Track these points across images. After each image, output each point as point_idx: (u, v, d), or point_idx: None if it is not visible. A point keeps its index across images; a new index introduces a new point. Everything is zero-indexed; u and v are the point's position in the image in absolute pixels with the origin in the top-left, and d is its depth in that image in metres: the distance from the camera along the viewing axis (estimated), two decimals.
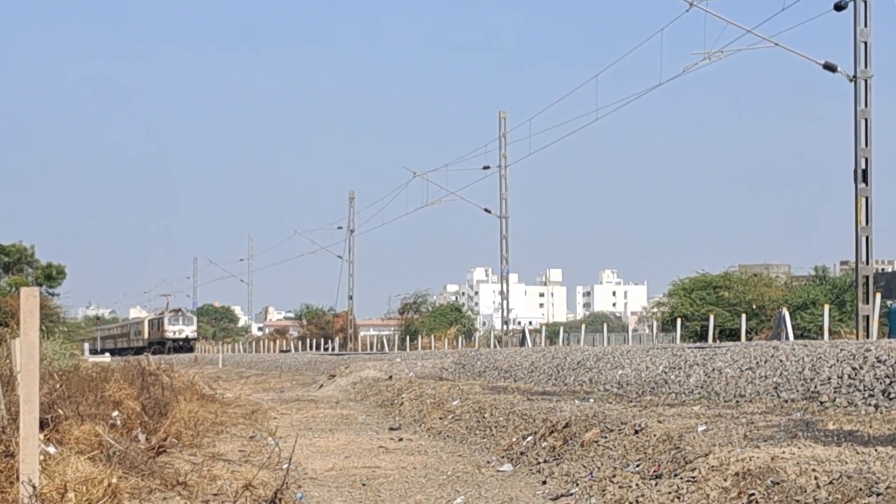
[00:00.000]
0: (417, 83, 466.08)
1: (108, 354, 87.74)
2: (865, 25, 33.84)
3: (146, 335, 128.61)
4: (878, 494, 10.92)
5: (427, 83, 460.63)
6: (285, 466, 16.51)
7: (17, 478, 11.38)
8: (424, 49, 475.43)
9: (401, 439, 26.00)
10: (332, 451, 23.09)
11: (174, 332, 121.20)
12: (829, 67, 34.93)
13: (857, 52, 34.00)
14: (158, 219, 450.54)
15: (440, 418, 28.97)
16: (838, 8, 34.20)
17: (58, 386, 19.23)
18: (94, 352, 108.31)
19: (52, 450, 14.16)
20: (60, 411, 17.43)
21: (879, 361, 20.15)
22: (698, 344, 39.24)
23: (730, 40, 41.89)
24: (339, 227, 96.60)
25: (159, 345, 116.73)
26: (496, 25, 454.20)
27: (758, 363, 24.25)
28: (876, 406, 18.15)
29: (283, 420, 30.52)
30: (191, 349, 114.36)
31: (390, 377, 43.01)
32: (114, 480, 13.40)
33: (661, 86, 49.62)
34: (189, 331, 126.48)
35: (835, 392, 19.99)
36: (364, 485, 18.44)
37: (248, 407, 33.78)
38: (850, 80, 34.41)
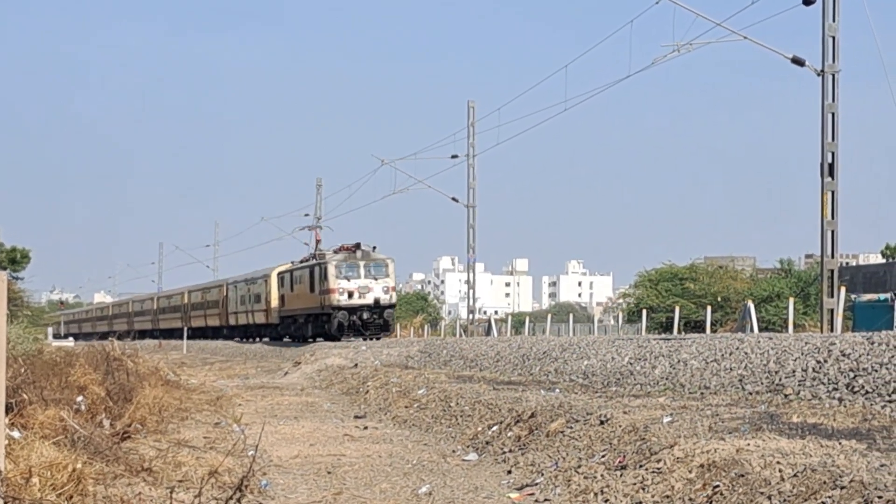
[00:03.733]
0: (388, 71, 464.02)
1: (71, 339, 69.42)
2: (834, 20, 34.05)
3: (274, 301, 69.59)
4: (843, 488, 10.91)
5: (397, 71, 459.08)
6: (250, 453, 16.45)
7: None
8: (396, 36, 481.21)
9: (366, 427, 26.14)
10: (297, 438, 23.16)
11: (352, 293, 58.84)
12: (798, 62, 35.15)
13: (826, 46, 34.26)
14: (123, 203, 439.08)
15: (406, 407, 29.07)
16: (807, 2, 34.47)
17: (22, 370, 18.99)
18: (57, 336, 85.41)
19: (16, 434, 14.28)
20: (25, 396, 17.24)
21: (844, 355, 20.31)
22: (664, 335, 39.71)
23: (699, 33, 42.26)
24: (306, 215, 79.83)
25: (315, 319, 62.13)
26: (468, 13, 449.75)
27: (723, 355, 24.35)
28: (840, 399, 18.23)
29: (248, 407, 30.48)
30: (386, 326, 60.48)
31: (356, 365, 43.14)
32: (78, 466, 13.24)
33: (630, 77, 49.65)
34: (381, 288, 61.09)
35: (799, 385, 20.08)
36: (329, 472, 18.45)
37: (212, 393, 33.59)
38: (818, 75, 34.52)
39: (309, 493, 16.47)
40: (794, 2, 35.85)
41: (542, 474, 17.00)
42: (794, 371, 20.97)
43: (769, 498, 11.92)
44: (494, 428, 21.82)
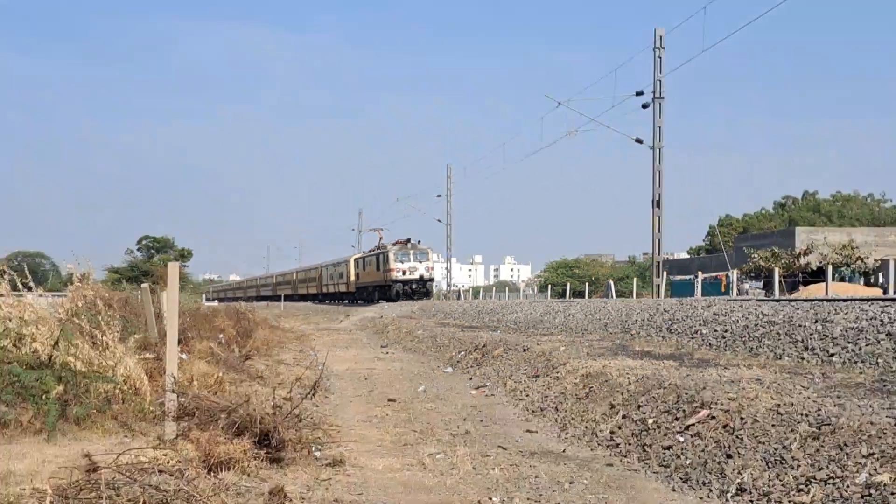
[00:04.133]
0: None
1: (216, 301, 68.68)
2: (660, 116, 40.60)
3: (352, 277, 77.90)
4: (664, 388, 12.87)
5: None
6: (319, 367, 18.48)
7: (164, 372, 11.47)
8: None
9: (387, 353, 28.18)
10: (346, 359, 25.08)
11: (404, 272, 70.58)
12: (639, 141, 42.03)
13: (655, 132, 40.82)
14: (263, 200, 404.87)
15: (410, 341, 31.46)
16: (644, 106, 40.78)
17: (187, 319, 19.44)
18: (210, 299, 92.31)
19: (184, 356, 14.99)
20: (189, 334, 18.30)
21: (665, 311, 22.28)
22: (560, 299, 46.62)
23: (582, 123, 51.52)
24: (439, 196, 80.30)
25: (381, 289, 70.53)
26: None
27: (595, 311, 26.37)
28: (663, 337, 19.87)
29: (318, 341, 32.44)
30: (427, 293, 68.64)
31: (381, 317, 47.51)
32: (220, 374, 14.73)
33: (546, 147, 55.35)
34: (423, 268, 72.01)
35: (639, 328, 21.64)
36: (366, 378, 20.49)
37: (297, 333, 35.86)
38: (651, 149, 41.35)
39: (354, 390, 18.41)
40: (637, 105, 41.27)
41: (490, 380, 19.28)
42: (636, 320, 22.54)
43: (621, 394, 13.68)
44: (462, 353, 24.12)
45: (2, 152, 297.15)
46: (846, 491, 8.02)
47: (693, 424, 11.05)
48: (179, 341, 12.84)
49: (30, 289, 14.65)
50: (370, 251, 78.54)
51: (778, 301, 20.81)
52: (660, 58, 39.70)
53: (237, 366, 17.88)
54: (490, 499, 9.17)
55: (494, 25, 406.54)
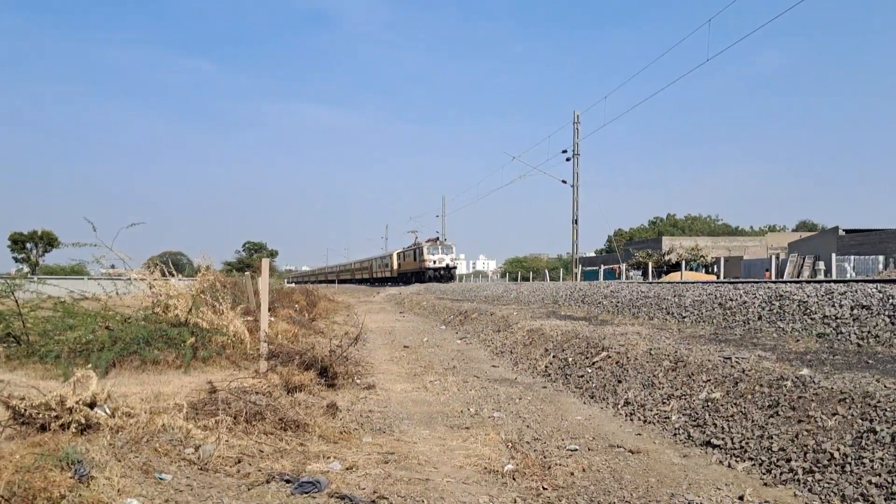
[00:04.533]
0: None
1: (294, 284, 67.29)
2: (577, 166, 40.97)
3: (395, 266, 73.54)
4: (579, 338, 13.27)
5: None
6: (360, 326, 18.48)
7: (259, 329, 11.27)
8: None
9: (404, 316, 27.90)
10: (377, 321, 24.89)
11: (434, 262, 67.36)
12: (564, 182, 42.21)
13: (574, 176, 41.27)
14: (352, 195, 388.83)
15: (419, 308, 30.92)
16: (568, 160, 41.12)
17: (274, 295, 19.98)
18: (289, 282, 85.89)
19: (272, 319, 15.25)
20: (275, 305, 18.83)
21: (580, 290, 22.32)
22: (514, 282, 47.02)
23: (528, 170, 53.35)
24: (437, 216, 78.90)
25: (416, 275, 67.62)
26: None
27: (536, 290, 26.26)
28: (579, 306, 19.79)
29: (359, 308, 31.99)
30: (451, 277, 64.36)
31: (400, 293, 46.36)
32: (295, 330, 14.99)
33: (506, 185, 57.59)
34: (448, 259, 68.58)
35: (564, 300, 21.51)
36: (389, 333, 20.42)
37: (345, 304, 35.35)
38: (571, 187, 41.45)
39: (381, 340, 18.25)
40: (562, 159, 41.60)
41: (469, 333, 19.24)
42: (562, 295, 22.43)
43: (552, 342, 13.91)
44: (451, 316, 23.90)
45: (163, 186, 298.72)
46: (693, 403, 8.12)
47: (597, 361, 11.09)
48: (269, 309, 12.58)
49: (173, 275, 14.86)
50: (408, 247, 71.43)
51: (650, 283, 20.89)
52: (577, 129, 40.16)
53: (306, 325, 17.85)
54: (469, 408, 9.24)
55: (468, 108, 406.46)
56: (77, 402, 6.14)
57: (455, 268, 63.43)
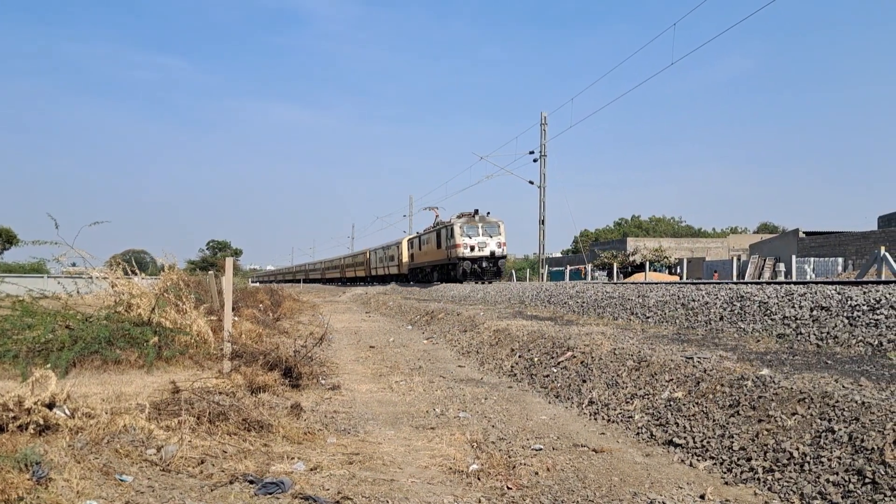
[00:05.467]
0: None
1: (259, 284, 63.13)
2: (544, 167, 40.77)
3: (405, 258, 53.98)
4: (545, 338, 13.09)
5: None
6: (325, 326, 18.68)
7: (223, 328, 11.42)
8: None
9: (370, 316, 27.69)
10: (343, 321, 24.97)
11: (473, 248, 37.69)
12: (531, 182, 41.67)
13: (541, 177, 40.94)
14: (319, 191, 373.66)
15: (385, 308, 30.85)
16: (535, 161, 40.61)
17: (238, 295, 20.34)
18: (253, 282, 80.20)
19: (236, 318, 15.50)
20: (239, 304, 18.85)
21: (546, 290, 22.33)
22: (481, 285, 42.24)
23: (496, 171, 48.93)
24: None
25: (442, 269, 42.41)
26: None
27: (502, 290, 26.14)
28: (545, 306, 19.81)
29: (324, 308, 32.01)
30: (498, 272, 39.01)
31: (366, 293, 45.56)
32: (259, 330, 14.99)
33: (474, 185, 47.11)
34: (495, 243, 38.29)
35: (530, 301, 21.53)
36: (355, 333, 20.40)
37: (311, 304, 35.38)
38: (538, 188, 41.31)
39: (347, 340, 18.23)
40: (530, 160, 41.49)
41: (435, 334, 19.23)
42: (528, 296, 22.44)
43: (518, 342, 13.92)
44: (418, 316, 23.87)
45: (132, 186, 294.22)
46: (655, 402, 8.19)
47: (562, 361, 11.12)
48: (233, 309, 13.07)
49: (136, 274, 14.72)
50: (427, 230, 47.95)
51: (615, 284, 20.96)
52: (544, 130, 40.34)
53: (271, 325, 17.75)
54: (434, 408, 9.24)
55: (437, 108, 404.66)
56: (35, 403, 6.07)
57: (504, 257, 39.60)
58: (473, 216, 39.02)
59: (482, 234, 37.87)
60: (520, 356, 12.74)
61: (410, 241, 52.35)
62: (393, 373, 12.56)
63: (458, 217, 39.99)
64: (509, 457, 6.89)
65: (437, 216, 48.11)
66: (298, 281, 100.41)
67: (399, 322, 24.26)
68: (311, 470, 6.08)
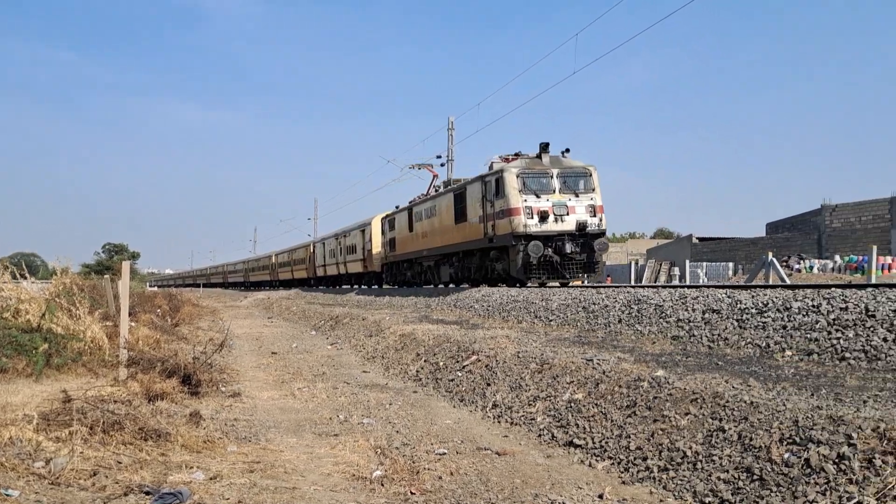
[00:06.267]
0: None
1: (156, 288, 59.90)
2: (451, 171, 39.89)
3: (375, 248, 34.78)
4: (450, 342, 13.32)
5: None
6: (226, 332, 18.35)
7: (119, 334, 11.26)
8: None
9: (272, 322, 27.80)
10: (244, 326, 24.88)
11: (550, 218, 18.54)
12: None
13: (449, 180, 40.66)
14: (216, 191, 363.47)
15: (288, 313, 30.66)
16: (442, 165, 38.18)
17: (135, 300, 19.54)
18: (151, 286, 78.58)
19: (132, 324, 14.86)
20: (137, 309, 18.26)
21: (452, 294, 22.13)
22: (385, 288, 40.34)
23: (404, 174, 50.59)
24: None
25: (463, 261, 23.68)
26: None
27: (410, 293, 26.16)
28: (451, 310, 19.83)
29: (225, 314, 31.59)
30: (593, 265, 19.75)
31: (269, 298, 44.82)
32: (157, 336, 14.80)
33: (381, 188, 46.87)
34: (585, 207, 19.18)
35: (437, 305, 21.44)
36: (257, 339, 20.48)
37: (211, 309, 34.48)
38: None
39: (248, 347, 18.34)
40: (438, 164, 40.21)
41: (340, 339, 19.29)
42: (435, 299, 22.46)
43: (424, 346, 13.94)
44: (322, 321, 23.93)
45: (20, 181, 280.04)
46: (557, 404, 8.35)
47: (467, 365, 11.22)
48: (129, 314, 12.66)
49: (25, 277, 14.35)
50: (425, 196, 29.40)
51: (520, 288, 20.86)
52: (451, 135, 40.79)
53: (169, 330, 17.45)
54: (338, 415, 9.20)
55: (344, 109, 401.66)
56: None
57: (602, 234, 20.96)
58: (538, 157, 21.41)
59: (559, 189, 20.60)
60: (425, 361, 12.79)
61: (389, 220, 33.40)
62: (296, 379, 12.46)
63: (504, 159, 22.07)
64: (413, 462, 6.91)
65: (434, 176, 32.70)
66: (197, 285, 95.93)
67: (303, 327, 24.06)
68: (211, 479, 5.95)
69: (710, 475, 5.74)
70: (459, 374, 11.00)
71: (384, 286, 35.75)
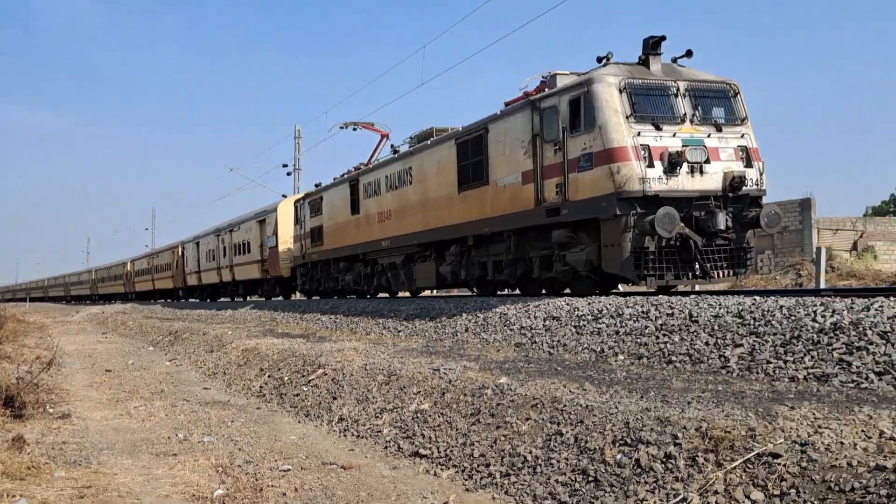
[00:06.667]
0: None
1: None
2: (299, 180, 40.63)
3: (284, 245, 25.89)
4: (296, 356, 12.98)
5: None
6: (55, 349, 17.61)
7: None
8: None
9: (107, 338, 26.59)
10: (76, 342, 23.65)
11: (684, 168, 9.71)
12: (285, 196, 39.98)
13: (296, 189, 40.14)
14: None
15: (124, 328, 29.55)
16: (289, 174, 38.79)
17: None
18: None
19: None
20: None
21: (298, 306, 22.05)
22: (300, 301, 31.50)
23: (247, 183, 45.63)
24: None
25: (471, 250, 14.77)
26: None
27: (254, 306, 25.82)
28: (297, 322, 19.58)
29: (55, 329, 29.83)
30: (745, 258, 11.18)
31: (103, 312, 42.32)
32: None
33: (223, 198, 50.14)
34: (732, 152, 10.55)
35: (282, 318, 21.00)
36: (90, 356, 19.60)
37: (39, 325, 32.56)
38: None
39: (80, 364, 17.45)
40: (284, 173, 40.83)
41: (179, 355, 18.84)
42: (280, 312, 22.16)
43: (268, 361, 13.60)
44: (161, 336, 23.14)
45: None
46: (403, 415, 8.41)
47: (312, 379, 11.17)
48: None
49: None
50: (371, 164, 20.34)
51: (369, 299, 21.12)
52: (298, 143, 40.55)
53: None
54: (177, 434, 8.92)
55: (185, 115, 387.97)
56: None
57: (763, 194, 11.70)
58: (642, 64, 12.15)
59: (691, 116, 11.80)
60: (269, 376, 12.59)
61: (311, 203, 24.73)
62: (132, 398, 11.99)
63: (608, 64, 12.13)
64: (256, 479, 6.77)
65: (383, 136, 22.64)
66: (22, 300, 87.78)
67: (140, 343, 23.34)
68: None
69: (549, 478, 5.93)
70: (305, 389, 10.88)
71: (296, 297, 28.07)
